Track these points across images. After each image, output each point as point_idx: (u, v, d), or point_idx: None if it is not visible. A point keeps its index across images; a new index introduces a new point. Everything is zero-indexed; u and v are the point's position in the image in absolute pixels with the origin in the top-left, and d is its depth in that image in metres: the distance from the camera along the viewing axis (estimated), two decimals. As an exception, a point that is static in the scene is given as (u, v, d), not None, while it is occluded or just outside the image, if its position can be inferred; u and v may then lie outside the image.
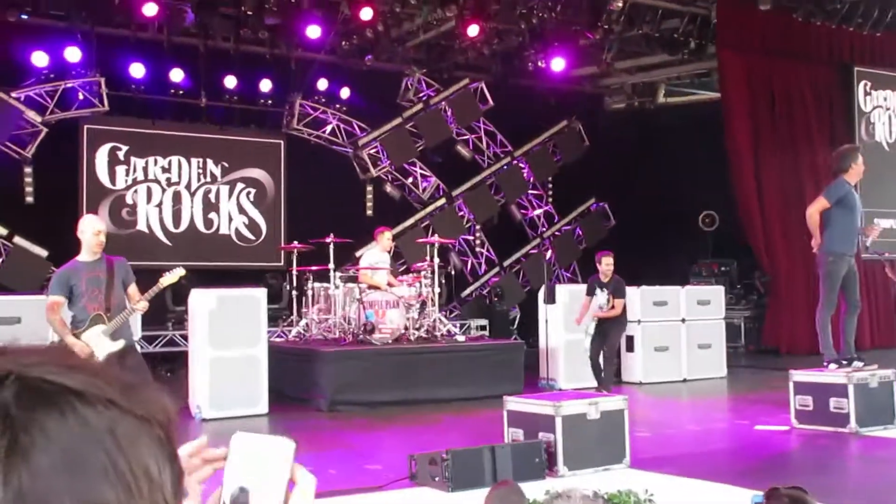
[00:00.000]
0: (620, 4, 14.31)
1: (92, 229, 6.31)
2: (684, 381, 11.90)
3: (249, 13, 13.35)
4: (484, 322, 15.71)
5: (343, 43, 15.04)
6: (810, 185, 14.24)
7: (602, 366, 9.89)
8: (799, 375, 8.12)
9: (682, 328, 12.05)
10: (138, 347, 7.34)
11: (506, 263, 17.36)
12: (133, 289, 6.46)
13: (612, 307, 9.73)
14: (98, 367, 0.75)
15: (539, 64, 16.57)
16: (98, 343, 6.17)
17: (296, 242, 11.83)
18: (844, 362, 8.22)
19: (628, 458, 6.38)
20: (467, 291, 16.78)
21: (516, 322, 16.64)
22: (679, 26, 15.57)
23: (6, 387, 0.69)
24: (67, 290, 6.20)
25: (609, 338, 9.79)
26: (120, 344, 6.27)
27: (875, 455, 7.10)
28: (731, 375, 12.32)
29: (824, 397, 7.83)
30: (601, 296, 9.84)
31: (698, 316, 12.21)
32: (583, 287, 10.78)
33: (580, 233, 18.18)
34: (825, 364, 8.27)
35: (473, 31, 14.34)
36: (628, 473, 6.23)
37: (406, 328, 10.51)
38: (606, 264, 9.86)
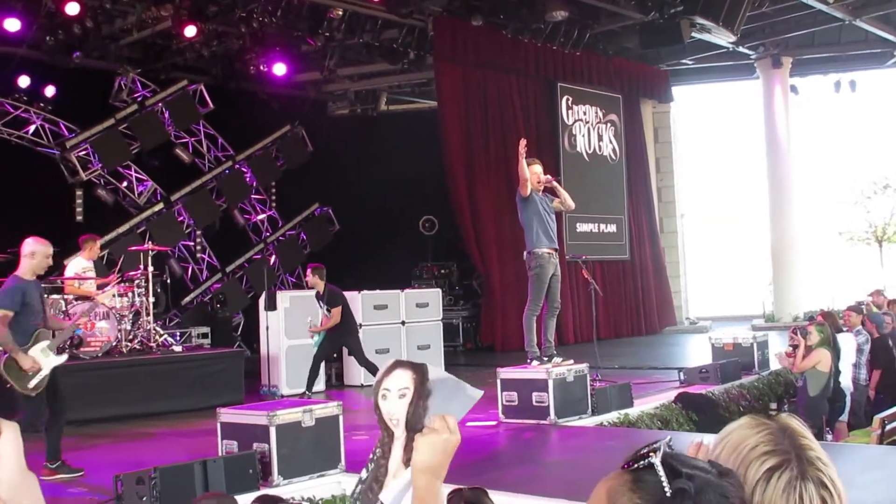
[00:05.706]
0: (340, 13, 14.49)
1: (45, 252, 6.69)
2: (405, 382, 12.25)
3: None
4: (206, 329, 15.27)
5: (48, 38, 14.03)
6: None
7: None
8: (505, 373, 8.61)
9: (402, 330, 12.40)
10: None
11: (228, 269, 16.98)
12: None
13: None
14: None
15: (261, 68, 16.38)
16: (44, 358, 6.62)
17: (-8, 251, 10.87)
18: (546, 359, 8.82)
19: (343, 463, 6.47)
20: (188, 299, 16.24)
21: (240, 329, 16.35)
22: (398, 37, 16.02)
23: None
24: (19, 305, 6.52)
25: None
26: (64, 357, 6.89)
27: (571, 444, 7.68)
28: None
29: (528, 392, 8.37)
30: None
31: (417, 318, 12.62)
32: (307, 293, 11.11)
33: (304, 237, 18.19)
34: (528, 361, 8.83)
35: (191, 31, 13.94)
36: (343, 478, 6.33)
37: (118, 340, 10.03)
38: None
